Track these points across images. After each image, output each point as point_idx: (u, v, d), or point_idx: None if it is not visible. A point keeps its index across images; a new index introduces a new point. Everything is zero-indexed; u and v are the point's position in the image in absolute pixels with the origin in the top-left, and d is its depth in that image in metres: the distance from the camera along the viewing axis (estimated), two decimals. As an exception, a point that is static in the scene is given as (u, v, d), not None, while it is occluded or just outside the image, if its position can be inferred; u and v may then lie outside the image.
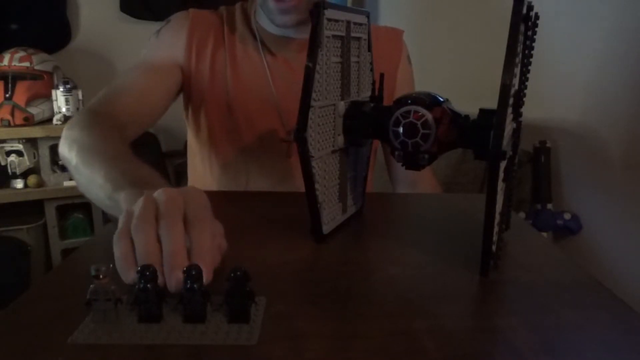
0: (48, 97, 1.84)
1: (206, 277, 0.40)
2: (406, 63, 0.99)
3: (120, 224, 0.45)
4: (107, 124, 0.75)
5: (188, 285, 0.38)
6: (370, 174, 0.75)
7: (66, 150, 0.71)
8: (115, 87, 0.84)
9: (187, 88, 0.91)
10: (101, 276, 0.37)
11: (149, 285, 0.38)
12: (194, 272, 0.38)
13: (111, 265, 0.39)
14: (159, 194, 0.47)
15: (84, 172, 0.64)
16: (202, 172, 0.97)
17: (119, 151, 0.67)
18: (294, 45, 0.90)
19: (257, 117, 0.90)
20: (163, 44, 0.90)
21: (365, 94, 0.63)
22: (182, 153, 1.03)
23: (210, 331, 0.38)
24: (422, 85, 0.93)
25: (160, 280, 0.40)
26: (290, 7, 0.80)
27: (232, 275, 0.38)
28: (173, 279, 0.40)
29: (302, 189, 0.53)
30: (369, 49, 0.63)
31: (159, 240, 0.42)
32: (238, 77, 0.89)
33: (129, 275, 0.41)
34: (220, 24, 0.91)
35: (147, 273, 0.38)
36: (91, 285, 0.37)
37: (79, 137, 0.70)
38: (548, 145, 1.81)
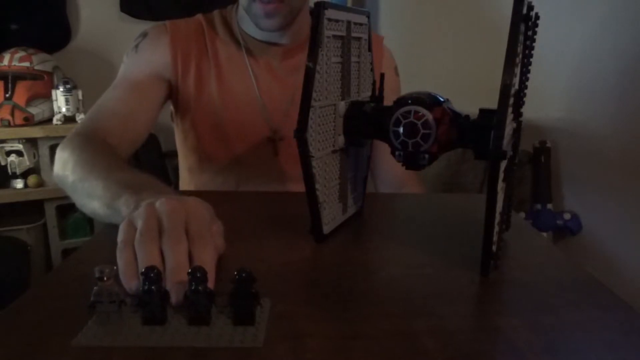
0: (48, 97, 1.83)
1: None
2: (393, 74, 0.99)
3: (121, 234, 0.45)
4: (98, 141, 0.76)
5: (193, 287, 0.37)
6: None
7: (60, 170, 0.71)
8: (100, 110, 0.84)
9: (174, 99, 0.91)
10: (105, 278, 0.37)
11: (153, 288, 0.38)
12: (198, 274, 0.37)
13: (115, 267, 0.39)
14: (161, 204, 0.47)
15: (81, 188, 0.64)
16: (192, 175, 0.98)
17: (113, 163, 0.68)
18: (278, 52, 0.91)
19: (244, 120, 0.90)
20: (143, 59, 0.89)
21: (366, 94, 0.63)
22: (182, 153, 1.02)
23: (215, 333, 0.37)
24: (422, 85, 0.93)
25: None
26: (274, 9, 0.81)
27: (237, 276, 0.38)
28: (174, 293, 0.40)
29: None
30: (369, 49, 0.63)
31: (161, 253, 0.43)
32: (224, 83, 0.89)
33: (131, 284, 0.41)
34: (200, 32, 0.91)
35: (151, 275, 0.37)
36: (95, 287, 0.37)
37: (72, 156, 0.70)
38: (548, 145, 1.81)
